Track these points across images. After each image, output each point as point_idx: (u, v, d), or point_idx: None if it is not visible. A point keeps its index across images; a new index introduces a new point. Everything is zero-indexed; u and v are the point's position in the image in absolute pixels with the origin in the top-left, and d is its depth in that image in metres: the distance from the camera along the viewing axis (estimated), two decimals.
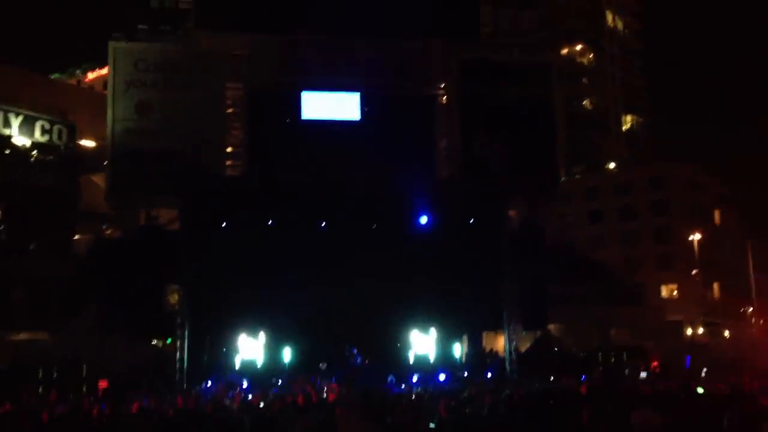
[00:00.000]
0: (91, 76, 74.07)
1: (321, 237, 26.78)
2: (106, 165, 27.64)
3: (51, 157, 33.58)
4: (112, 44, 27.69)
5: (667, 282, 65.05)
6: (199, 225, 26.37)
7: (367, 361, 26.07)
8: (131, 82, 27.28)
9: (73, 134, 35.36)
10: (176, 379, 24.82)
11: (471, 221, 28.83)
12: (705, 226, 66.17)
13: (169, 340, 27.26)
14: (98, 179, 32.59)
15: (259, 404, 17.15)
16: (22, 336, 28.32)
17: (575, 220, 62.75)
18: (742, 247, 64.42)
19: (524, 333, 33.05)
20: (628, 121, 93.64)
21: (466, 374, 26.84)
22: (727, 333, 63.35)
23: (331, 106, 29.58)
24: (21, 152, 33.21)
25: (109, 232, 34.05)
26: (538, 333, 33.60)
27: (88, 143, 37.79)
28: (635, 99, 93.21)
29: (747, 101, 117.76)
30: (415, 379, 25.15)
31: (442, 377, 25.80)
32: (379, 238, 27.20)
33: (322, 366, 25.68)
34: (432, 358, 27.92)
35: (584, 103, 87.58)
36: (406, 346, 28.20)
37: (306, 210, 26.72)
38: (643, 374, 28.92)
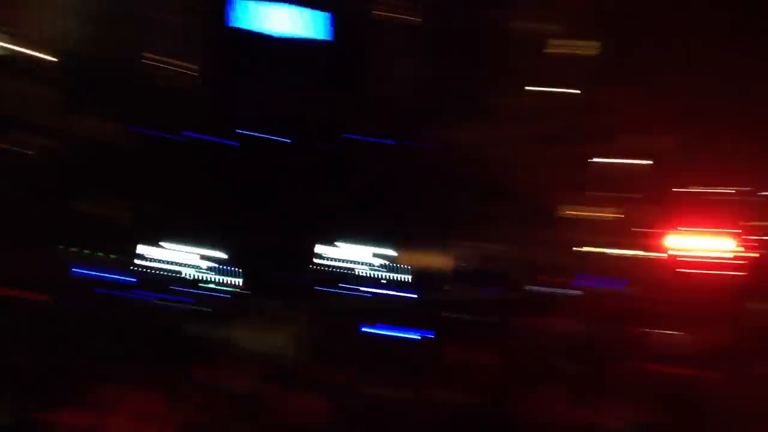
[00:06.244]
0: None
1: None
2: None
3: None
4: None
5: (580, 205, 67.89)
6: None
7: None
8: None
9: None
10: None
11: (392, 142, 29.81)
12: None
13: None
14: None
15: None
16: None
17: (502, 142, 64.44)
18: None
19: (436, 250, 34.90)
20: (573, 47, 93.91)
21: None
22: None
23: None
24: None
25: None
26: (450, 251, 35.45)
27: None
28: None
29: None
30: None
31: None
32: (299, 154, 27.79)
33: None
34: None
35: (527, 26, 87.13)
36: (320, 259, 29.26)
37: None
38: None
